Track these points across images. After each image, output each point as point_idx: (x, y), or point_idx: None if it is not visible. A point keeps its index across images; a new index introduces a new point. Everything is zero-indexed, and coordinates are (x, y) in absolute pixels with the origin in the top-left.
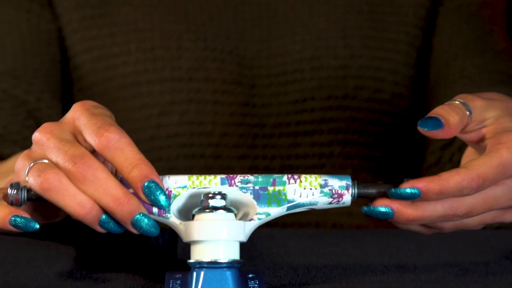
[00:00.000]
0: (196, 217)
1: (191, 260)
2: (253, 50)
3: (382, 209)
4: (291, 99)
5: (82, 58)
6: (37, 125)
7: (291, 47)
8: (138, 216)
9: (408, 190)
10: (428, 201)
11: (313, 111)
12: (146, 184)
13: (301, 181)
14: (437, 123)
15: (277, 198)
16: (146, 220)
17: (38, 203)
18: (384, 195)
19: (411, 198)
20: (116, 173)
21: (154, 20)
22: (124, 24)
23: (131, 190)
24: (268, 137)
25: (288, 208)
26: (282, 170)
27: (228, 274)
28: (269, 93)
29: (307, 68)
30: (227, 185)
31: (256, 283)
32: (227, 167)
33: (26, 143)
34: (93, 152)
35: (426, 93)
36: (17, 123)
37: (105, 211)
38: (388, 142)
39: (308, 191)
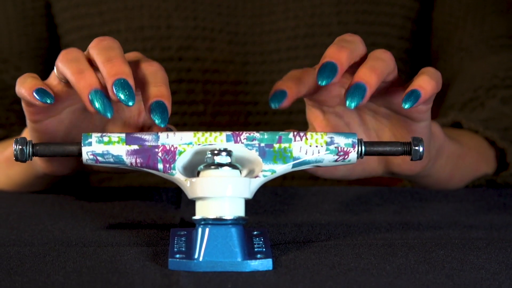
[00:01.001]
0: (202, 173)
1: (196, 217)
2: (245, 26)
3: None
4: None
5: (72, 37)
6: (22, 111)
7: (284, 23)
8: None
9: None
10: None
11: None
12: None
13: (307, 139)
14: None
15: (283, 155)
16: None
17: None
18: (390, 153)
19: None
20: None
21: None
22: (113, 2)
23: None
24: (262, 115)
25: (294, 166)
26: None
27: (233, 230)
28: (262, 71)
29: (301, 46)
30: (233, 142)
31: (261, 240)
32: None
33: (13, 129)
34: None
35: (423, 65)
36: (3, 108)
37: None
38: None
39: (314, 148)
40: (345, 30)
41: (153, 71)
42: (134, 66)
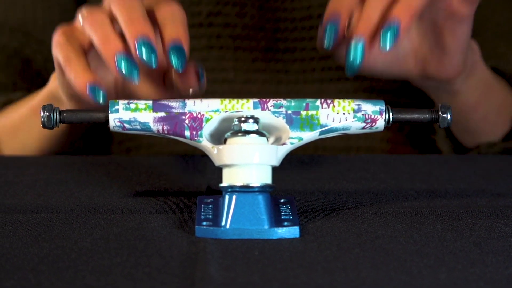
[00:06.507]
0: (229, 141)
1: (223, 184)
2: None
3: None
4: (316, 45)
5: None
6: (44, 83)
7: None
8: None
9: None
10: None
11: None
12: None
13: (334, 106)
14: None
15: (310, 123)
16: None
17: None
18: (418, 120)
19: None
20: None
21: None
22: None
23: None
24: (293, 84)
25: (321, 133)
26: None
27: (260, 198)
28: (293, 38)
29: None
30: (260, 109)
31: (288, 208)
32: None
33: None
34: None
35: None
36: (26, 81)
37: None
38: (414, 88)
39: (341, 115)
40: None
41: (171, 11)
42: (152, 8)
